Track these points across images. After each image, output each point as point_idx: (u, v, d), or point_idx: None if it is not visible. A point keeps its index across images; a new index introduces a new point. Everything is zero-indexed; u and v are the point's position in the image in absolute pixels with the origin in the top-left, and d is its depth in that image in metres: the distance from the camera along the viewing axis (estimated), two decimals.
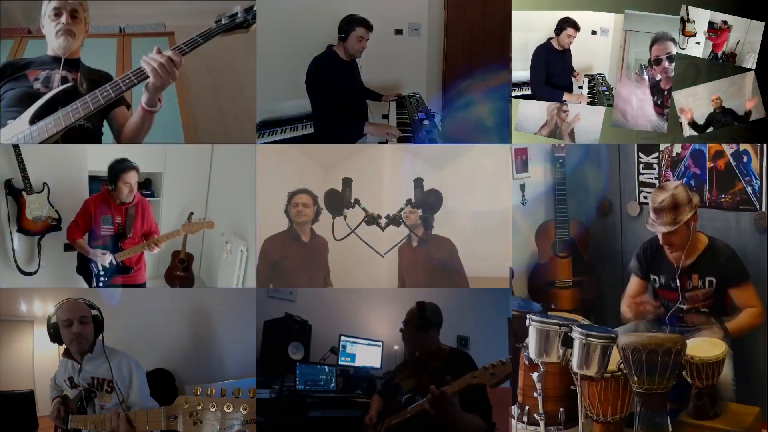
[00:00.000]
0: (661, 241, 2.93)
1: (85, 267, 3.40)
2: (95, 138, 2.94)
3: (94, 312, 2.73)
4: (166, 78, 2.69)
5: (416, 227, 3.32)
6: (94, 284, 3.36)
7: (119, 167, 3.34)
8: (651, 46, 3.22)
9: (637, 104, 3.28)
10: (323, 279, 3.41)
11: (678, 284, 2.98)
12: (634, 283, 3.15)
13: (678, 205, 2.84)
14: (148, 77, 2.69)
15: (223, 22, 2.82)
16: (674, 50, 3.20)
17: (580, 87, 3.42)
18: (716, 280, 2.94)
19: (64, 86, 2.77)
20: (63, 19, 2.83)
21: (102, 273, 3.36)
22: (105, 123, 2.97)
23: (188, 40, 2.76)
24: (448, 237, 3.36)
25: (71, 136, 2.79)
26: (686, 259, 2.95)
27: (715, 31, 3.16)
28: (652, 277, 3.09)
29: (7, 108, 2.78)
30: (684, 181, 3.33)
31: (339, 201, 3.22)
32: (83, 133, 2.85)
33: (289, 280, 3.34)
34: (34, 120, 2.68)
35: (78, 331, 2.68)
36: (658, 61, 3.21)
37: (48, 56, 2.90)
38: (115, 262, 3.36)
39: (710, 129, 3.25)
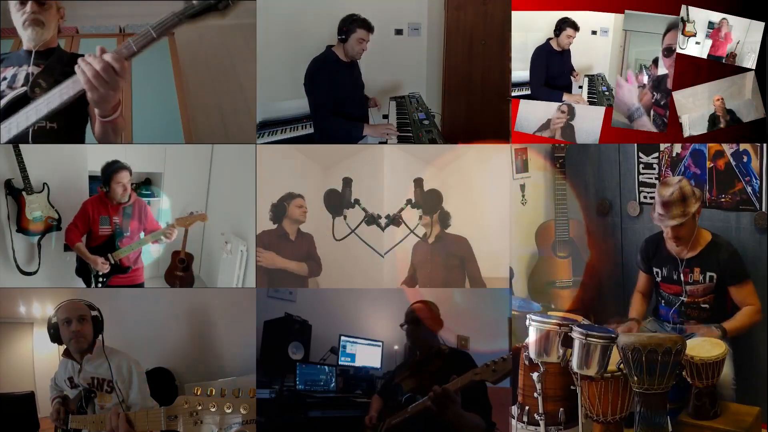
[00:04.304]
0: (669, 236, 2.96)
1: (84, 269, 3.41)
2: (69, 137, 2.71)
3: (94, 313, 2.73)
4: (105, 90, 2.21)
5: (429, 227, 3.32)
6: (93, 285, 3.37)
7: (111, 168, 3.36)
8: (664, 34, 3.21)
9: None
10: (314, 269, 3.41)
11: (681, 276, 3.01)
12: (641, 278, 3.21)
13: (686, 196, 2.88)
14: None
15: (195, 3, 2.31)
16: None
17: (580, 87, 3.42)
18: (717, 276, 2.96)
19: (15, 93, 2.51)
20: (28, 7, 2.58)
21: (101, 274, 3.37)
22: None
23: (139, 34, 2.27)
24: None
25: (41, 138, 2.61)
26: (689, 252, 2.99)
27: (719, 32, 3.16)
28: (654, 270, 3.11)
29: None
30: None
31: (339, 201, 3.22)
32: (53, 134, 2.64)
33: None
34: None
35: (76, 329, 2.68)
36: (669, 51, 3.20)
37: (24, 50, 2.67)
38: (112, 261, 3.37)
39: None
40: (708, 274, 2.97)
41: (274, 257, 3.28)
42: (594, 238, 3.70)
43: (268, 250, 3.30)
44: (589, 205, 3.75)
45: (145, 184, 3.95)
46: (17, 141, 2.54)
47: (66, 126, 2.67)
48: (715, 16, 3.17)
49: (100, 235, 3.39)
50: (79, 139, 2.77)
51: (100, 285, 3.36)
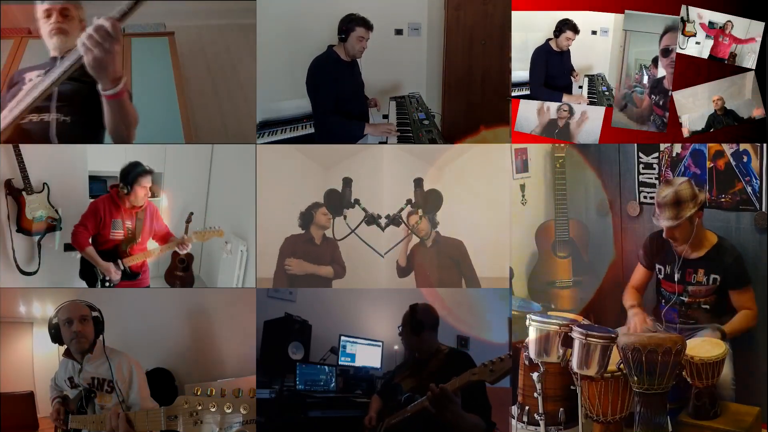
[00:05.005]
0: (664, 235, 2.97)
1: (89, 272, 3.37)
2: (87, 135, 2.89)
3: (95, 313, 2.74)
4: (99, 52, 2.35)
5: (427, 232, 3.33)
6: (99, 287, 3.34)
7: (136, 171, 3.29)
8: (662, 36, 3.20)
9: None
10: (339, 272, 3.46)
11: (679, 276, 3.01)
12: (638, 272, 3.20)
13: (680, 201, 2.88)
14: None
15: None
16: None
17: (580, 87, 3.42)
18: (720, 279, 2.96)
19: (33, 83, 2.68)
20: (53, 19, 2.84)
21: (108, 278, 3.34)
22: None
23: None
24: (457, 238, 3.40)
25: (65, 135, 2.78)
26: (693, 252, 3.00)
27: (723, 33, 3.15)
28: (657, 266, 3.11)
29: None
30: None
31: (339, 201, 3.22)
32: (65, 127, 2.82)
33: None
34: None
35: (78, 329, 2.68)
36: (666, 52, 3.20)
37: (49, 58, 2.91)
38: (122, 268, 3.35)
39: (711, 129, 3.25)
40: (712, 276, 2.98)
41: (302, 264, 3.36)
42: (618, 237, 3.69)
43: (294, 252, 3.37)
44: (620, 201, 3.74)
45: None
46: (32, 133, 2.70)
47: (83, 123, 2.80)
48: (716, 17, 3.17)
49: (111, 239, 3.33)
50: (98, 140, 2.90)
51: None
